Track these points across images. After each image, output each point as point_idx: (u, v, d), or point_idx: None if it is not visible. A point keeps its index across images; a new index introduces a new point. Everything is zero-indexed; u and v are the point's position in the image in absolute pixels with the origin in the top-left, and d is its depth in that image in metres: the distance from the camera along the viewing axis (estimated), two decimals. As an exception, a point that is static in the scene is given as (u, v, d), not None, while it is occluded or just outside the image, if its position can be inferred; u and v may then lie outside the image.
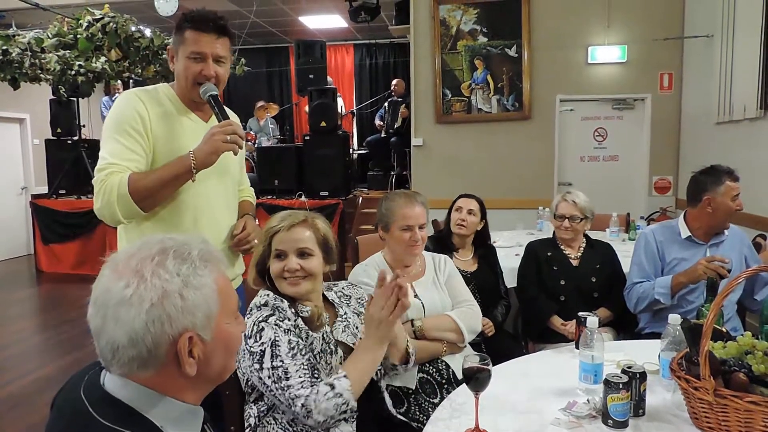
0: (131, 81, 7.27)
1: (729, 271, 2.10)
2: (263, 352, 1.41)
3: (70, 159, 7.09)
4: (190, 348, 0.84)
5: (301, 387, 1.37)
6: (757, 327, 1.68)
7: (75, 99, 7.24)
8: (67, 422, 0.86)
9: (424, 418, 1.78)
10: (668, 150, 5.78)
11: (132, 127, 1.63)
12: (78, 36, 5.31)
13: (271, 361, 1.40)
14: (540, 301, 2.60)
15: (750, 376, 1.26)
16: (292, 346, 1.42)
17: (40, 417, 3.16)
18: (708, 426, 1.29)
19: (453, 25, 5.94)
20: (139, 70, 6.09)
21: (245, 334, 1.44)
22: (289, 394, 1.37)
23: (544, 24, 5.77)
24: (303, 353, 1.43)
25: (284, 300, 1.52)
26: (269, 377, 1.40)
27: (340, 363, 1.53)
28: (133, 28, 5.32)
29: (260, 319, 1.46)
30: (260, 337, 1.42)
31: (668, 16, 5.58)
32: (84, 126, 7.51)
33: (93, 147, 7.32)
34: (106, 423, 0.81)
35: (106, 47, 5.29)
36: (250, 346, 1.43)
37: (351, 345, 1.59)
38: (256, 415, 1.51)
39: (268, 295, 1.53)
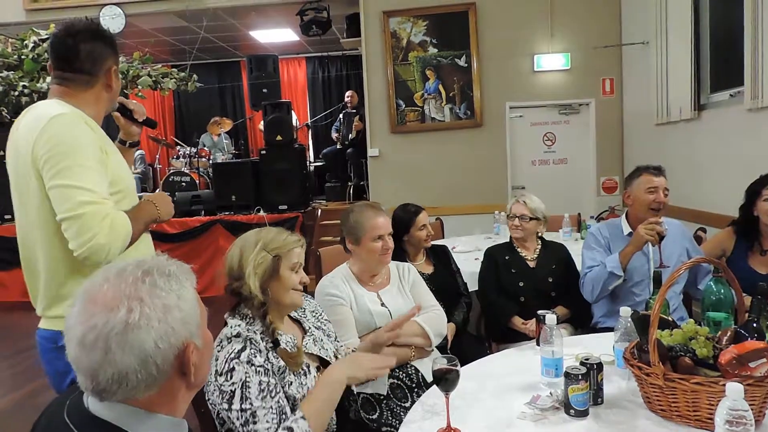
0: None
1: (666, 230, 2.29)
2: (233, 392, 1.38)
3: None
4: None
5: None
6: (701, 314, 1.80)
7: (18, 121, 6.98)
8: None
9: (397, 422, 1.83)
10: (613, 151, 6.06)
11: (97, 156, 1.53)
12: (23, 57, 5.15)
13: (241, 403, 1.37)
14: (500, 303, 2.69)
15: (694, 359, 1.37)
16: (262, 387, 1.40)
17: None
18: (660, 408, 1.39)
19: (404, 37, 6.07)
20: (87, 90, 5.94)
21: (216, 370, 1.41)
22: None
23: (491, 34, 5.97)
24: (273, 395, 1.41)
25: (257, 332, 1.50)
26: (237, 418, 1.38)
27: (315, 380, 1.57)
28: (80, 48, 5.19)
29: (231, 355, 1.41)
30: (231, 377, 1.39)
31: (607, 24, 5.87)
32: (29, 148, 7.24)
33: (39, 170, 7.04)
34: None
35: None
36: (221, 384, 1.40)
37: (325, 357, 1.64)
38: None
39: (239, 325, 1.48)
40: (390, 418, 1.88)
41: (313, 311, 1.80)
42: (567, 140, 6.19)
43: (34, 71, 5.19)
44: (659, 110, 4.90)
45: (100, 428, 0.85)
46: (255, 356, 1.42)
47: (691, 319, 1.52)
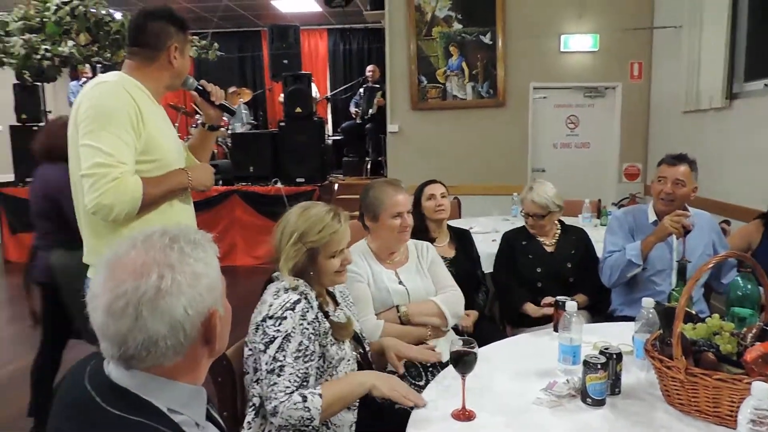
0: (99, 66, 7.08)
1: (693, 225, 2.24)
2: (274, 339, 1.45)
3: (37, 146, 6.89)
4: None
5: (283, 392, 1.41)
6: (721, 309, 1.77)
7: (40, 84, 7.02)
8: (74, 413, 0.87)
9: (411, 401, 1.83)
10: (638, 138, 5.94)
11: (129, 124, 1.66)
12: (45, 20, 5.13)
13: (276, 352, 1.44)
14: (513, 290, 2.67)
15: (718, 355, 1.35)
16: (300, 348, 1.45)
17: (21, 409, 3.10)
18: (679, 402, 1.38)
19: (428, 12, 5.96)
20: (109, 55, 5.94)
21: (267, 314, 1.47)
22: (271, 390, 1.42)
23: (518, 11, 5.83)
24: (305, 360, 1.46)
25: (312, 289, 1.56)
26: (267, 363, 1.44)
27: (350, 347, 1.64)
28: (103, 12, 5.18)
29: (287, 305, 1.48)
30: (279, 324, 1.46)
31: (638, 6, 5.70)
32: (50, 112, 7.28)
33: (60, 133, 7.08)
34: (115, 412, 0.83)
35: (74, 31, 5.13)
36: (267, 326, 1.46)
37: (357, 331, 1.71)
38: (260, 393, 1.53)
39: (297, 280, 1.54)
40: (403, 396, 1.89)
41: (341, 292, 1.82)
42: (591, 124, 6.07)
43: (56, 35, 5.17)
44: (688, 97, 4.77)
45: (122, 396, 0.85)
46: (308, 311, 1.49)
47: (716, 314, 1.49)
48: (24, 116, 7.09)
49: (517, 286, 2.67)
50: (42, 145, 2.70)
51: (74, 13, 5.07)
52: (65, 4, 5.10)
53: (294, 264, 1.55)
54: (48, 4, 5.16)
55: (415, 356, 1.70)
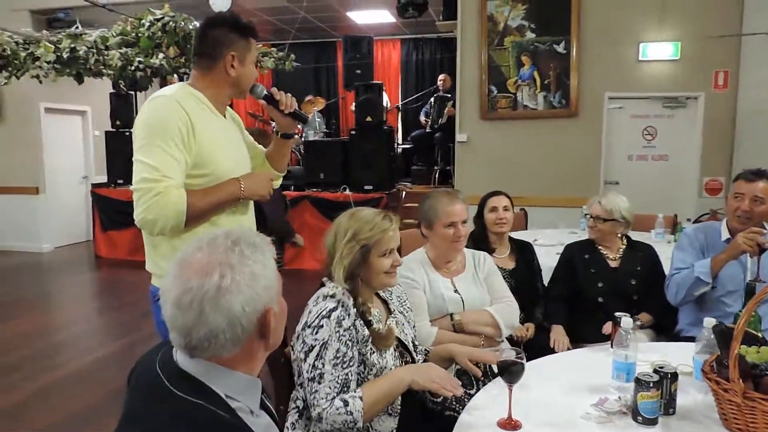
0: (186, 77, 7.58)
1: None
2: (312, 347, 1.51)
3: (128, 151, 7.42)
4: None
5: (325, 398, 1.48)
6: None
7: (133, 93, 7.60)
8: (146, 394, 0.99)
9: (460, 407, 1.85)
10: (721, 150, 5.61)
11: (179, 138, 1.64)
12: (140, 35, 5.61)
13: (315, 360, 1.50)
14: (552, 307, 2.65)
15: (781, 381, 1.29)
16: (338, 356, 1.51)
17: (102, 393, 3.39)
18: (737, 427, 1.33)
19: (501, 21, 5.94)
20: (195, 66, 6.34)
21: (306, 322, 1.55)
22: (313, 397, 1.49)
23: (595, 19, 5.69)
24: (344, 367, 1.51)
25: (350, 298, 1.60)
26: (307, 371, 1.51)
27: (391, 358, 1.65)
28: (191, 27, 5.58)
29: (323, 312, 1.53)
30: (316, 332, 1.51)
31: (725, 12, 5.40)
32: (141, 119, 7.84)
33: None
34: (181, 394, 0.93)
35: (165, 45, 5.56)
36: (305, 335, 1.53)
37: (404, 341, 1.72)
38: (303, 397, 1.61)
39: (336, 288, 1.60)
40: (454, 402, 1.91)
41: (399, 296, 1.87)
42: (669, 135, 5.81)
43: (148, 48, 5.64)
44: (778, 108, 4.48)
45: (186, 380, 0.95)
46: (344, 318, 1.54)
47: (783, 338, 1.42)
48: (118, 122, 7.70)
49: (562, 303, 2.63)
50: None
51: (165, 28, 5.51)
52: (158, 20, 5.54)
53: (349, 262, 1.60)
54: (143, 21, 5.64)
55: (487, 359, 1.73)
